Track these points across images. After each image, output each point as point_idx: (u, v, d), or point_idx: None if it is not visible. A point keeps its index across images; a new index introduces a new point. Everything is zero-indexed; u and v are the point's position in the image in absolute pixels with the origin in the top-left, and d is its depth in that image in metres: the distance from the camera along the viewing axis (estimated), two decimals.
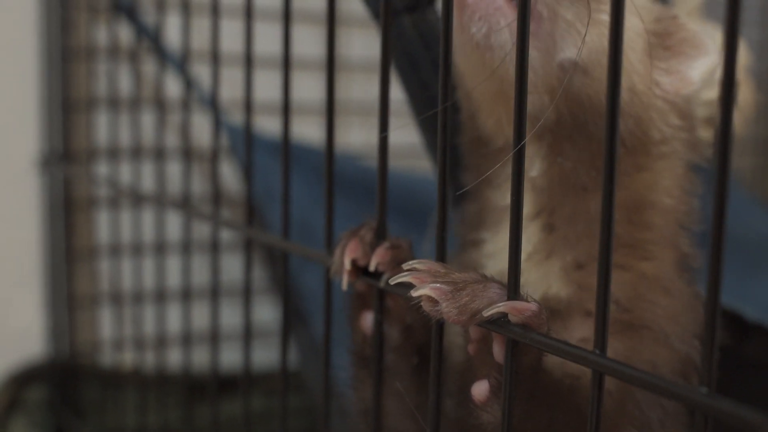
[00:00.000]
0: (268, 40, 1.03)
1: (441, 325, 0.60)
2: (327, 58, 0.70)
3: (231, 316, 1.23)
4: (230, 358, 1.17)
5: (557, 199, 0.71)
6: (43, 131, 1.38)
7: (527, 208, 0.70)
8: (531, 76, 0.61)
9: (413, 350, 0.70)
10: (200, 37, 1.10)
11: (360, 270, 0.67)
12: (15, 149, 1.38)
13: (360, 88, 1.51)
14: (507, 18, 0.65)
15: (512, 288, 0.55)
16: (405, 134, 0.91)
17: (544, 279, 0.70)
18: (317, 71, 1.42)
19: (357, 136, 1.45)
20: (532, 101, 0.61)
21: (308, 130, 1.28)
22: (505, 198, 0.71)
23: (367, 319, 0.71)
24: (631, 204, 0.70)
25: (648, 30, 0.69)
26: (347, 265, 0.66)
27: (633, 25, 0.68)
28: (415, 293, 0.58)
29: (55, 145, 1.36)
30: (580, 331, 0.67)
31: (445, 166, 0.59)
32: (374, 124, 1.50)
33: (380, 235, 0.67)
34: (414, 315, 0.67)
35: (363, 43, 1.44)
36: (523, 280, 0.69)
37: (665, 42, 0.71)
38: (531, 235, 0.71)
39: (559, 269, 0.70)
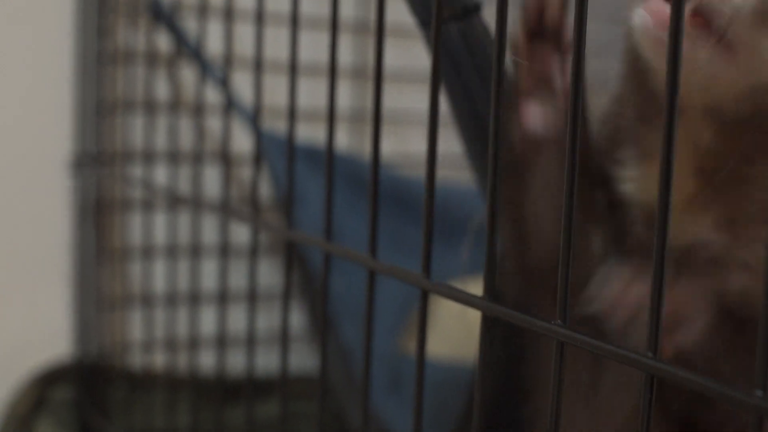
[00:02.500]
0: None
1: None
2: (375, 71, 0.72)
3: (257, 321, 1.24)
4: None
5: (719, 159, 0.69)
6: (76, 133, 1.40)
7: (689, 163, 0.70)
8: None
9: None
10: (238, 44, 1.11)
11: None
12: (48, 151, 1.40)
13: (388, 97, 1.53)
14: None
15: None
16: (446, 144, 0.92)
17: (694, 228, 0.70)
18: (343, 78, 1.43)
19: (385, 145, 1.46)
20: None
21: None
22: None
23: None
24: None
25: None
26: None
27: None
28: None
29: (88, 146, 1.38)
30: (738, 282, 0.67)
31: (497, 171, 0.60)
32: (401, 134, 1.50)
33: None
34: None
35: (390, 52, 1.45)
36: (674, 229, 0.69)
37: None
38: (685, 185, 0.69)
39: (711, 221, 0.68)
